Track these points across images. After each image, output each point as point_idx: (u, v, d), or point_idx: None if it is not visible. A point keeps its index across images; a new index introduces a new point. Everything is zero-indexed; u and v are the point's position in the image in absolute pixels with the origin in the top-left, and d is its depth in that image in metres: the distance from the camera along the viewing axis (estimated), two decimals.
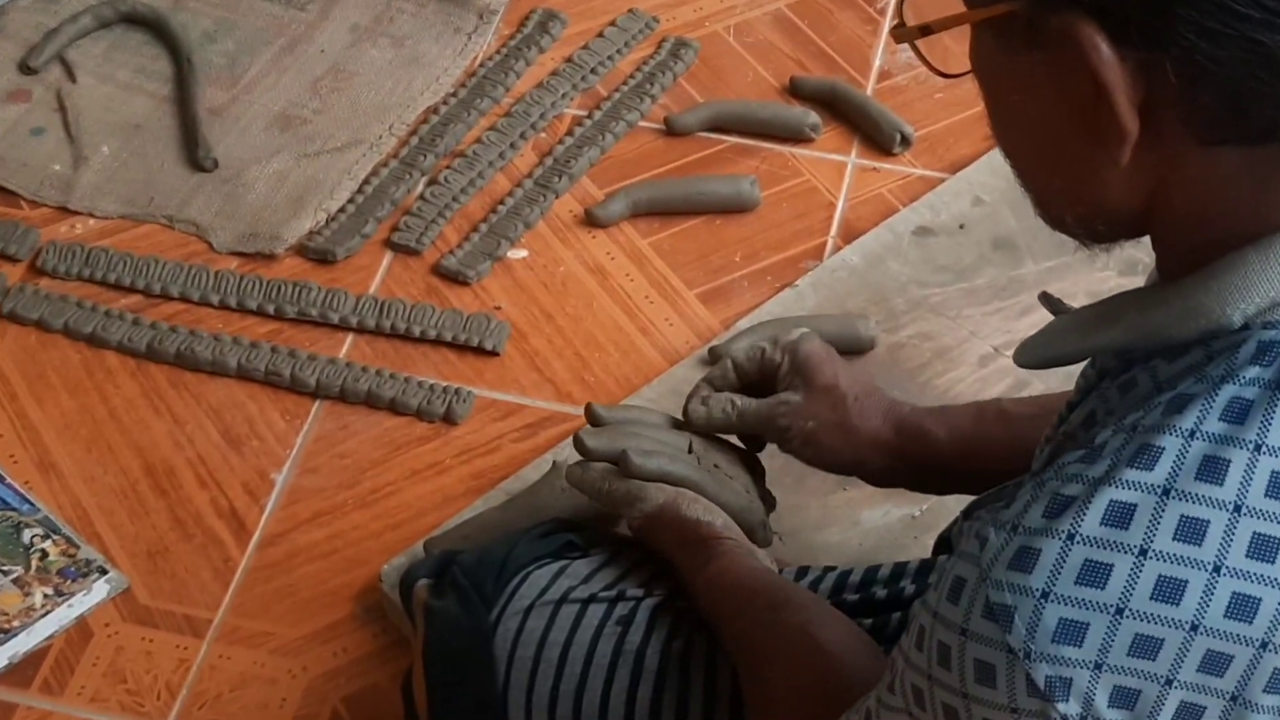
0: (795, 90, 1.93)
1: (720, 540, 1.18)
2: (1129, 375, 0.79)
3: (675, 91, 1.94)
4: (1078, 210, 0.80)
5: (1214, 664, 0.70)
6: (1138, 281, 0.90)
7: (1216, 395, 0.72)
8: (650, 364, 1.64)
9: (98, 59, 1.95)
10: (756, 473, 1.30)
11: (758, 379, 1.30)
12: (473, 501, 1.50)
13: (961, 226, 1.75)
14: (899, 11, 0.82)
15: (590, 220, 1.77)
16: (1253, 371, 0.72)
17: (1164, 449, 0.72)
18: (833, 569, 1.27)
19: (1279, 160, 0.72)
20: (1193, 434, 0.72)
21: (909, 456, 1.24)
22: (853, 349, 1.61)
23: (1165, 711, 0.71)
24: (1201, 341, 0.75)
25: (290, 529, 1.50)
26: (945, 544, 1.21)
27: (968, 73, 0.80)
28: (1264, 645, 0.70)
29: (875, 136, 1.86)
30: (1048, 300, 0.94)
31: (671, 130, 1.88)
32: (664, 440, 1.27)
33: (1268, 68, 0.68)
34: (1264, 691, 0.71)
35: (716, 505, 1.22)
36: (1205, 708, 0.71)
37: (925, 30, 0.79)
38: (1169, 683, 0.71)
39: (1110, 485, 0.72)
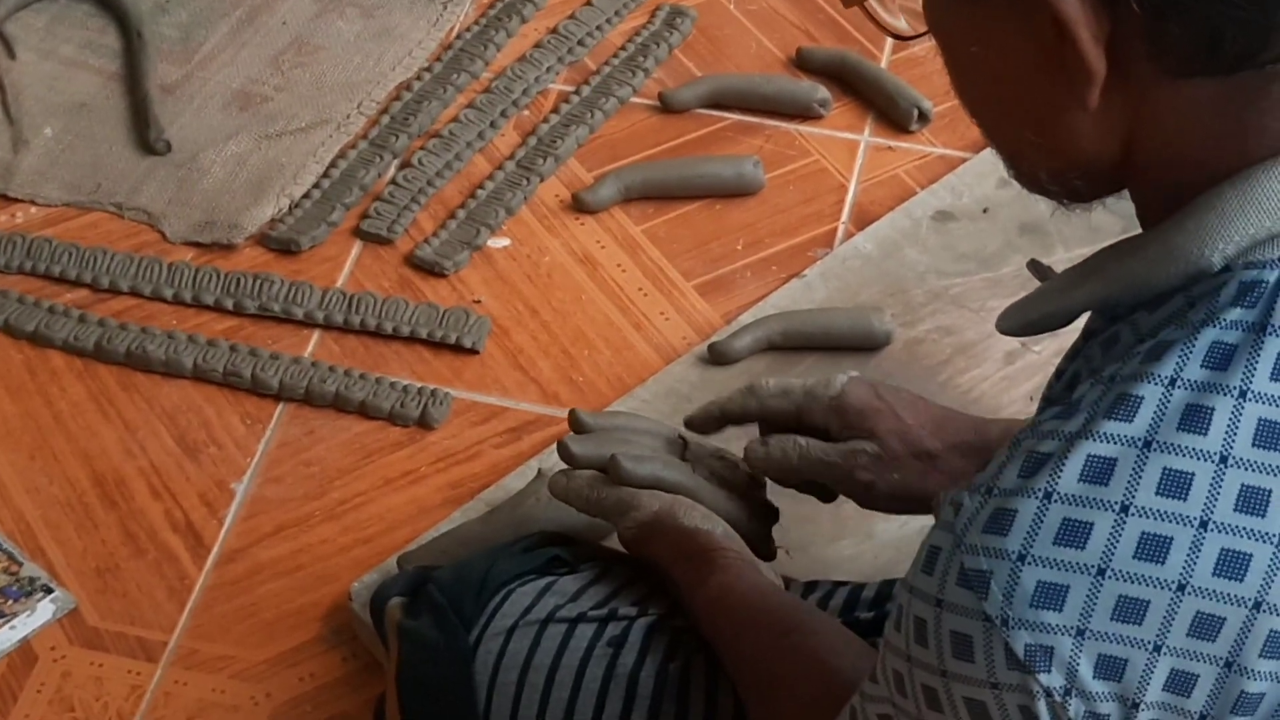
0: (803, 62, 1.94)
1: (722, 551, 1.18)
2: (1111, 331, 0.80)
3: (670, 65, 1.94)
4: (1051, 165, 0.82)
5: (1205, 627, 0.71)
6: None
7: (1196, 340, 0.73)
8: (644, 362, 1.64)
9: (39, 33, 1.96)
10: (756, 483, 1.30)
11: (790, 428, 1.27)
12: (450, 513, 1.50)
13: (985, 211, 1.75)
14: None
15: (578, 206, 1.78)
16: (1235, 314, 0.73)
17: (1143, 398, 0.73)
18: (844, 584, 1.27)
19: (1254, 90, 0.74)
20: (1173, 382, 0.73)
21: None
22: (867, 345, 1.61)
23: (1155, 681, 0.72)
24: (1182, 288, 0.76)
25: (252, 544, 1.50)
26: None
27: (926, 33, 0.82)
28: (1257, 605, 0.71)
29: (890, 113, 1.87)
30: (1036, 267, 0.97)
31: (667, 107, 1.88)
32: (655, 447, 1.28)
33: None
34: (1260, 656, 0.72)
35: (715, 514, 1.23)
36: (1198, 675, 0.72)
37: None
38: (1157, 649, 0.72)
39: (1088, 439, 0.73)
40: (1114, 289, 0.80)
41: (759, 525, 1.26)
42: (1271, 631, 0.71)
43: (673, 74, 1.93)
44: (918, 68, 1.92)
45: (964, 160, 1.81)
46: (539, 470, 1.46)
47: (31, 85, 1.89)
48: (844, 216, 1.77)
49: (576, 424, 1.30)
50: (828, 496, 1.28)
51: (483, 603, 1.16)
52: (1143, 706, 0.72)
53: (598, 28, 1.97)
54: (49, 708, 1.39)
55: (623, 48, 1.94)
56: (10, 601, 1.45)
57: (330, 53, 1.94)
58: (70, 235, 1.75)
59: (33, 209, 1.78)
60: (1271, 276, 0.74)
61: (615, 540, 1.27)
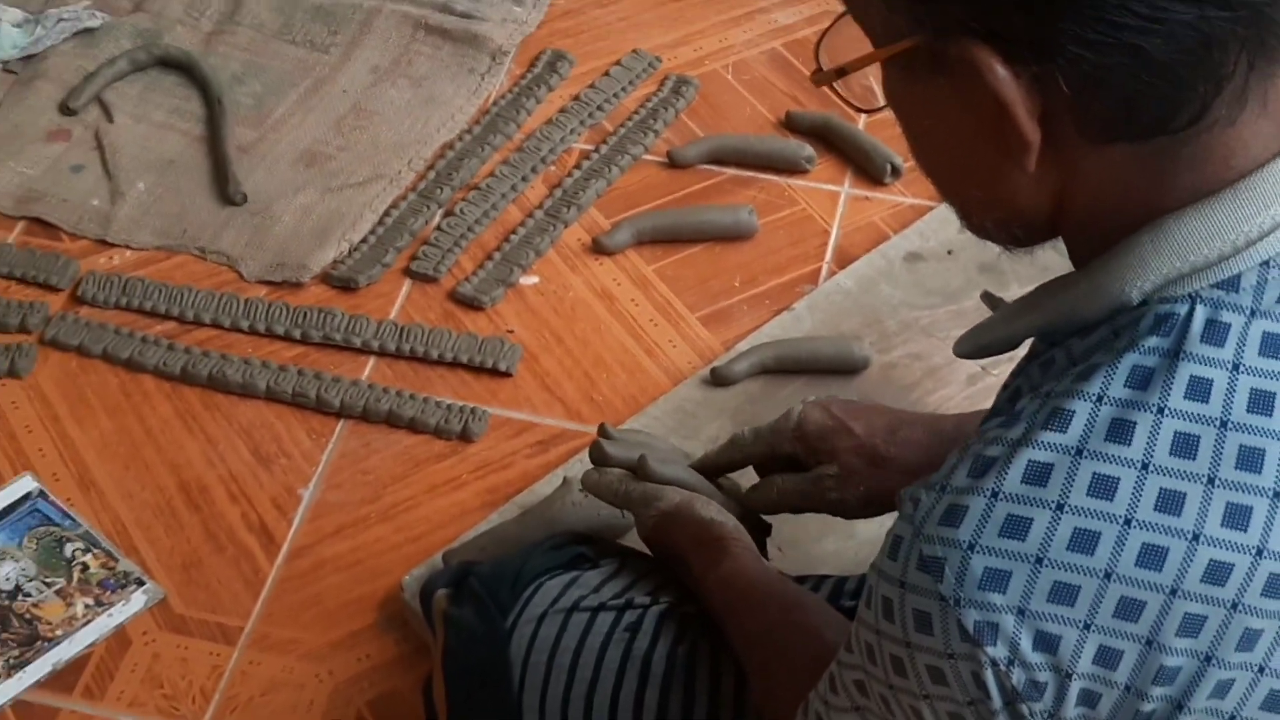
0: (790, 124, 1.93)
1: (733, 540, 1.18)
2: (1048, 355, 0.80)
3: (677, 126, 1.94)
4: (995, 216, 0.82)
5: (1128, 610, 0.72)
6: None
7: (1120, 364, 0.74)
8: (655, 384, 1.64)
9: (133, 100, 1.96)
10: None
11: (769, 463, 1.27)
12: (488, 515, 1.50)
13: (950, 252, 1.74)
14: (816, 57, 0.84)
15: (597, 248, 1.78)
16: (1152, 341, 0.74)
17: (1075, 412, 0.73)
18: (829, 577, 1.27)
19: (1165, 151, 0.74)
20: (1100, 398, 0.73)
21: None
22: (847, 369, 1.61)
23: (1085, 655, 0.72)
24: (1108, 319, 0.77)
25: (316, 542, 1.50)
26: None
27: (885, 107, 0.82)
28: (1174, 592, 0.71)
29: (867, 167, 1.86)
30: (988, 298, 0.98)
31: (674, 163, 1.88)
32: (674, 456, 1.28)
33: (1149, 69, 0.71)
34: (1176, 635, 0.72)
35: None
36: (1122, 652, 0.72)
37: (841, 72, 0.82)
38: (1087, 627, 0.72)
39: (1028, 446, 0.74)
40: (1050, 319, 0.80)
41: (755, 536, 1.26)
42: (1186, 614, 0.72)
43: (679, 134, 1.93)
44: (891, 129, 1.86)
45: (931, 209, 1.80)
46: (564, 478, 1.45)
47: (127, 145, 1.89)
48: (827, 257, 1.77)
49: (604, 434, 1.30)
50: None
51: (517, 594, 1.16)
52: (1075, 677, 0.73)
53: (614, 95, 1.97)
54: (141, 685, 1.39)
55: (635, 112, 1.94)
56: (108, 593, 1.45)
57: (384, 117, 1.94)
58: (160, 275, 1.75)
59: (128, 252, 1.78)
60: (1182, 310, 0.74)
61: (631, 539, 1.27)
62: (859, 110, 0.87)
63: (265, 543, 1.50)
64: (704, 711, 1.10)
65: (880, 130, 1.90)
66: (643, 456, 1.23)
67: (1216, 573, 0.71)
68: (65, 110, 1.93)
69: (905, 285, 1.71)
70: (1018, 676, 0.72)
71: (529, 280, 1.75)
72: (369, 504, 1.53)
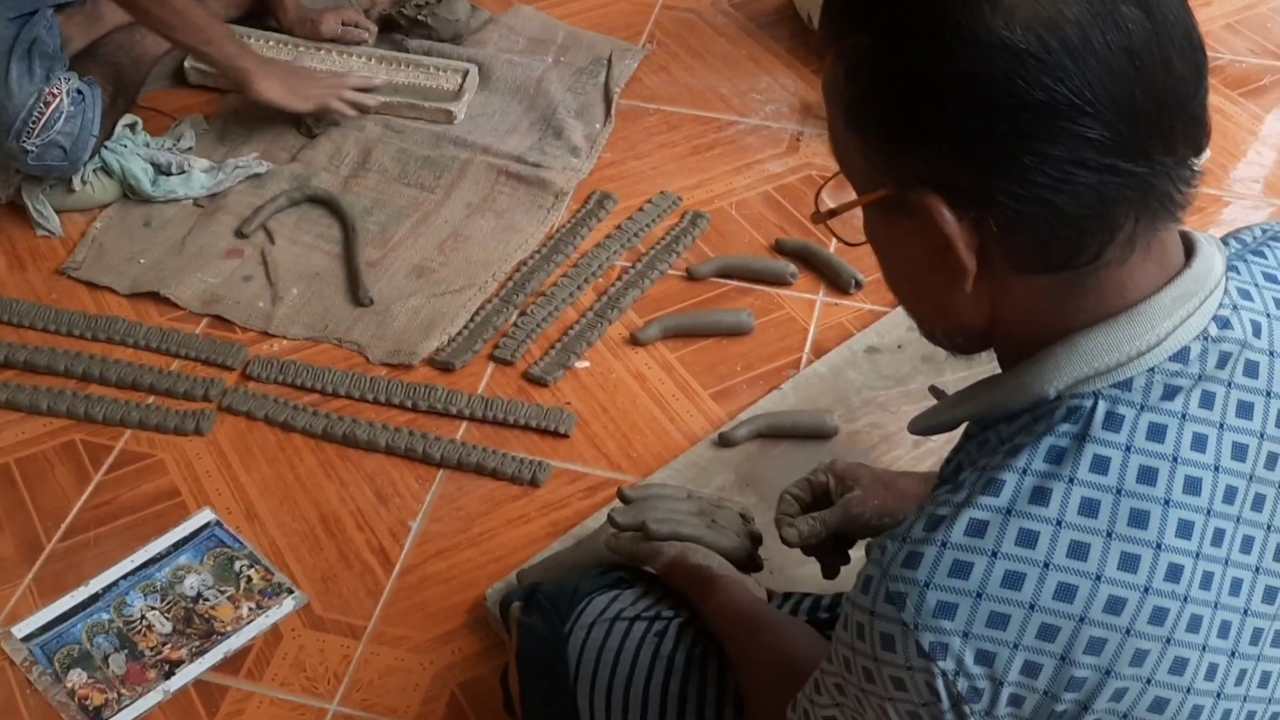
0: (779, 248, 1.93)
1: (719, 578, 1.17)
2: (983, 436, 0.80)
3: (694, 249, 1.94)
4: (942, 327, 0.82)
5: (1047, 633, 0.71)
6: None
7: (1039, 444, 0.74)
8: (676, 444, 1.63)
9: (290, 227, 1.97)
10: (746, 519, 1.28)
11: (811, 502, 1.26)
12: (550, 544, 1.49)
13: (900, 346, 1.74)
14: (815, 203, 0.86)
15: (634, 341, 1.78)
16: (1064, 428, 0.74)
17: (1005, 481, 0.73)
18: (809, 595, 1.26)
19: (1072, 282, 0.74)
20: (1025, 471, 0.73)
21: None
22: (822, 435, 1.60)
23: (1014, 668, 0.72)
24: (1029, 410, 0.76)
25: (421, 562, 1.50)
26: None
27: (864, 242, 0.83)
28: (1082, 620, 0.71)
29: (837, 281, 1.86)
30: (935, 391, 0.97)
31: (691, 277, 1.88)
32: (676, 508, 1.26)
33: (1059, 218, 0.71)
34: (1083, 654, 0.72)
35: (714, 551, 1.21)
36: (1042, 665, 0.72)
37: (832, 214, 0.82)
38: (1016, 647, 0.71)
39: (969, 507, 0.73)
40: (984, 409, 0.80)
41: (746, 549, 1.25)
42: (1091, 637, 0.71)
43: (695, 255, 1.93)
44: (855, 252, 1.91)
45: (886, 313, 1.80)
46: (609, 516, 1.44)
47: (284, 261, 1.91)
48: (806, 349, 1.77)
49: (622, 497, 1.30)
50: (829, 573, 1.25)
51: (573, 606, 1.16)
52: (1006, 684, 0.72)
53: (646, 225, 1.97)
54: (290, 669, 1.39)
55: (662, 238, 1.95)
56: (266, 599, 1.45)
57: (475, 241, 1.95)
58: (308, 359, 1.75)
59: (284, 341, 1.79)
60: (1088, 404, 0.74)
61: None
62: (846, 244, 0.87)
63: (383, 562, 1.50)
64: (714, 697, 1.10)
65: (847, 253, 1.90)
66: (644, 523, 1.22)
67: (1114, 605, 0.71)
68: (239, 235, 1.94)
69: (866, 371, 1.71)
70: (962, 684, 0.72)
71: (582, 364, 1.75)
72: (461, 533, 1.53)
